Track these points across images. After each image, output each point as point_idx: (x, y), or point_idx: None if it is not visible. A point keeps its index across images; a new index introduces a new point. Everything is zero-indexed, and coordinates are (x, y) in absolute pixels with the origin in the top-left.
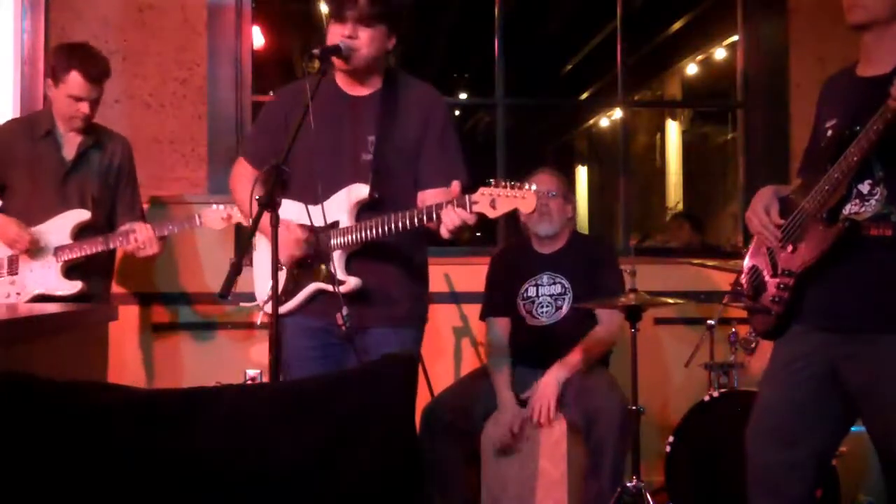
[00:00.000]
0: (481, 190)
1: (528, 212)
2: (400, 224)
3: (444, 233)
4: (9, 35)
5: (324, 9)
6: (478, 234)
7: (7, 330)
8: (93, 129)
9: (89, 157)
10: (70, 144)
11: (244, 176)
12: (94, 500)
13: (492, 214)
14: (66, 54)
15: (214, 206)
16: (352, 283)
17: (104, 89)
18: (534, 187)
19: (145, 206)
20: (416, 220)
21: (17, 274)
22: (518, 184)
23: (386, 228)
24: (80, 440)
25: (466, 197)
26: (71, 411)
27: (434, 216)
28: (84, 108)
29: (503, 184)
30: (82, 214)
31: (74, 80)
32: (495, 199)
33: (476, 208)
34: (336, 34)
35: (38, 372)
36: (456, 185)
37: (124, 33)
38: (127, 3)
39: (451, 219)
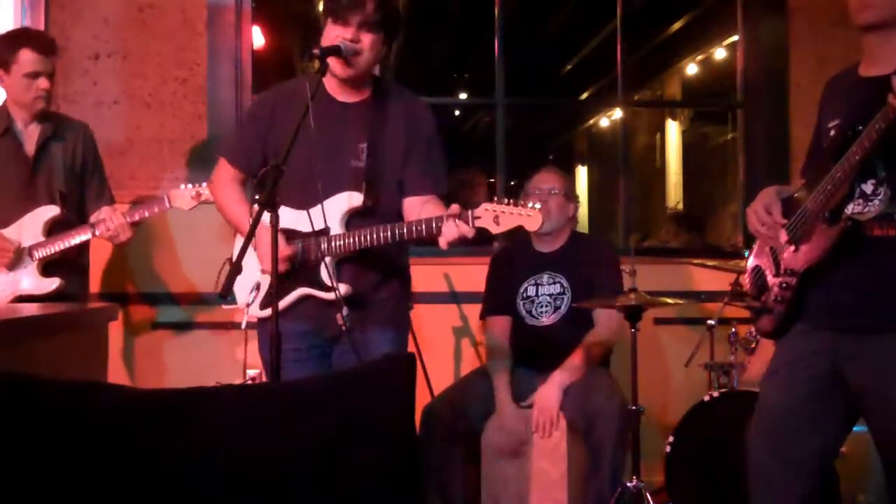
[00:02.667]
0: (484, 206)
1: (534, 230)
2: (399, 234)
3: (443, 244)
4: None
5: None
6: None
7: (7, 330)
8: (50, 117)
9: (50, 148)
10: (30, 139)
11: (225, 179)
12: (94, 500)
13: (495, 230)
14: (9, 39)
15: (182, 185)
16: (342, 290)
17: (55, 70)
18: (538, 205)
19: None
20: (414, 231)
21: None
22: (521, 202)
23: (384, 237)
24: (80, 440)
25: (469, 212)
26: (71, 411)
27: (435, 228)
28: (43, 83)
29: (509, 201)
30: (52, 210)
31: (26, 57)
32: (499, 216)
33: (479, 223)
34: (336, 36)
35: (38, 372)
36: (455, 207)
37: (124, 33)
38: (127, 3)
39: (450, 231)
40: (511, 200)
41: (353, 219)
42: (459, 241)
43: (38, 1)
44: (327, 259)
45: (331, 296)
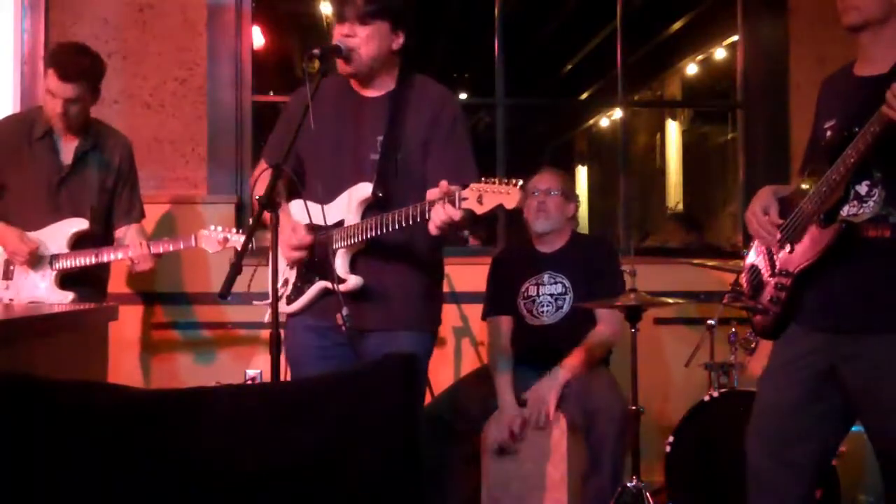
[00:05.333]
0: (471, 186)
1: (511, 207)
2: (395, 222)
3: (432, 229)
4: (9, 35)
5: (325, 10)
6: (467, 235)
7: (7, 330)
8: (91, 129)
9: (87, 161)
10: (68, 148)
11: (259, 177)
12: (94, 500)
13: (479, 210)
14: (51, 51)
15: (212, 227)
16: (352, 281)
17: (91, 92)
18: (520, 183)
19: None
20: (410, 217)
21: (11, 279)
22: (506, 179)
23: (383, 227)
24: (81, 440)
25: (456, 193)
26: (71, 411)
27: (427, 213)
28: (57, 105)
29: (492, 180)
30: (81, 224)
31: (50, 77)
32: (482, 195)
33: (465, 204)
34: (337, 34)
35: (38, 372)
36: (444, 183)
37: (124, 33)
38: (127, 3)
39: (437, 215)
40: (496, 179)
41: (370, 210)
42: (448, 227)
43: (38, 1)
44: (340, 252)
45: (345, 287)
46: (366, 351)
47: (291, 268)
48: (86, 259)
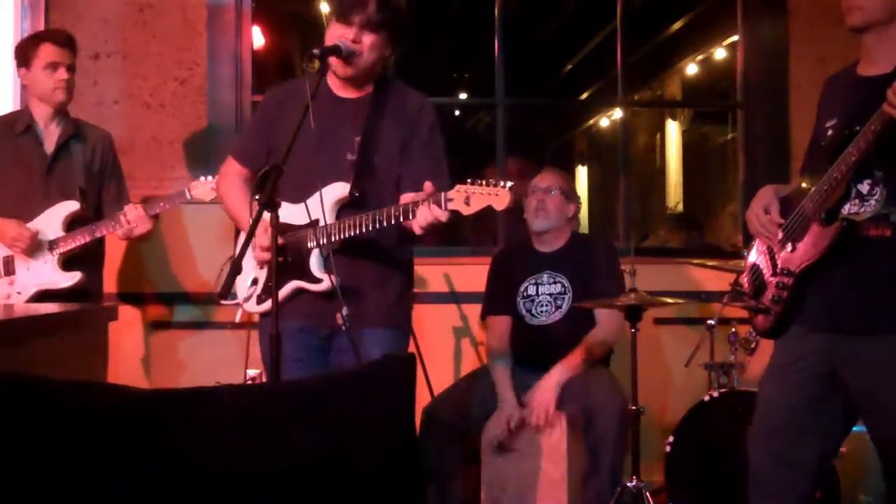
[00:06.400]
0: (457, 187)
1: (501, 209)
2: (376, 221)
3: (417, 229)
4: (9, 35)
5: (324, 8)
6: (443, 236)
7: (7, 330)
8: (73, 121)
9: (70, 148)
10: (50, 138)
11: (231, 175)
12: (94, 500)
13: (466, 211)
14: (30, 38)
15: (203, 178)
16: (328, 281)
17: (76, 66)
18: (510, 184)
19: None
20: (391, 217)
21: (13, 273)
22: (494, 181)
23: (363, 226)
24: (81, 440)
25: (442, 194)
26: (71, 411)
27: (410, 213)
28: (62, 73)
29: (480, 181)
30: (72, 206)
31: (46, 49)
32: (470, 197)
33: (451, 205)
34: (338, 35)
35: (38, 372)
36: (428, 184)
37: (124, 33)
38: (127, 3)
39: (423, 215)
40: (484, 181)
41: (345, 210)
42: (433, 227)
43: (38, 1)
44: (314, 251)
45: (320, 287)
46: (341, 349)
47: (262, 268)
48: (84, 237)
